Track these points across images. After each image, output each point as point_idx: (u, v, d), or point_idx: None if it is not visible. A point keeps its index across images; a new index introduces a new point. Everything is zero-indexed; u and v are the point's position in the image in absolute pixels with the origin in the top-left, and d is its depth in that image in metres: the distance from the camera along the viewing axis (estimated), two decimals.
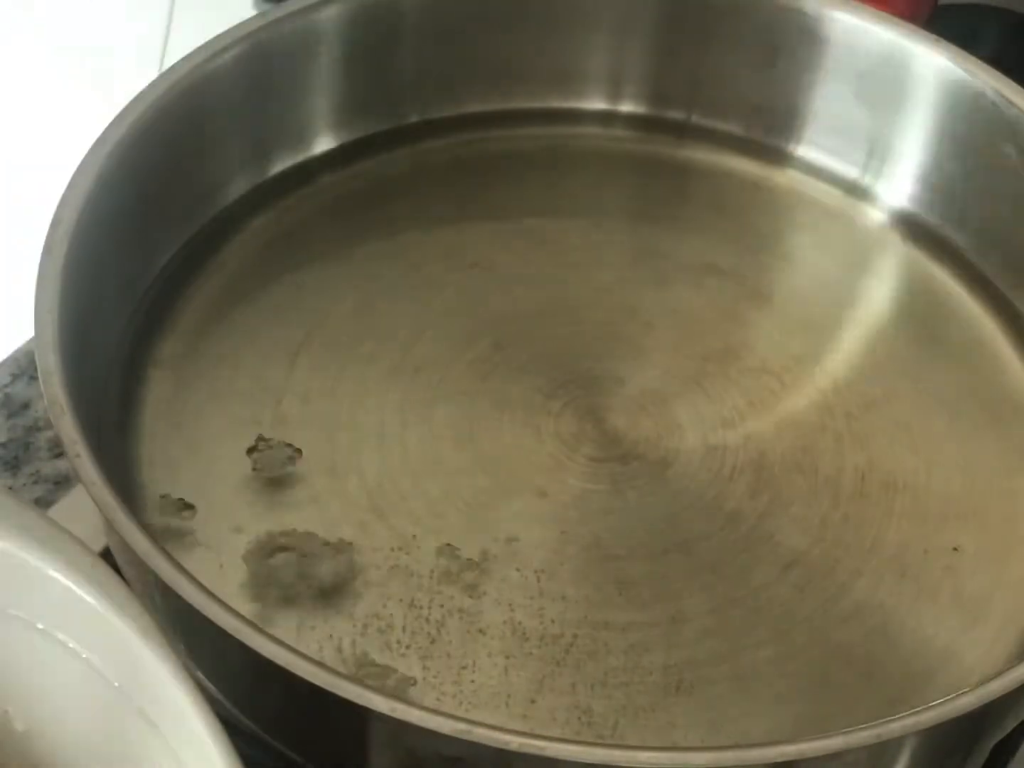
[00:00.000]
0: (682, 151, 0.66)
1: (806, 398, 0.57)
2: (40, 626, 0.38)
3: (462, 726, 0.41)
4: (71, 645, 0.38)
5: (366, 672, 0.47)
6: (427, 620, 0.50)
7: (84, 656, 0.37)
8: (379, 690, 0.42)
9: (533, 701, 0.48)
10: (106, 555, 0.48)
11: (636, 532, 0.53)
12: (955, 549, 0.53)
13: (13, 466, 0.59)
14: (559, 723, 0.48)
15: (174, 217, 0.59)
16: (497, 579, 0.51)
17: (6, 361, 0.62)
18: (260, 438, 0.53)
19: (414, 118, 0.66)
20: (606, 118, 0.67)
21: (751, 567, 0.52)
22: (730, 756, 0.42)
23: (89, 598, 0.37)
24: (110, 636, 0.37)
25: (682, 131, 0.67)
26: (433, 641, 0.49)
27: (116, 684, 0.37)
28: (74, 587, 0.37)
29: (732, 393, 0.57)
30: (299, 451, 0.53)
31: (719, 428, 0.56)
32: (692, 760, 0.42)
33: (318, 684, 0.41)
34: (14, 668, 0.39)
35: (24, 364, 0.62)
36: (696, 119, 0.67)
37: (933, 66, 0.61)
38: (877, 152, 0.64)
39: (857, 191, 0.65)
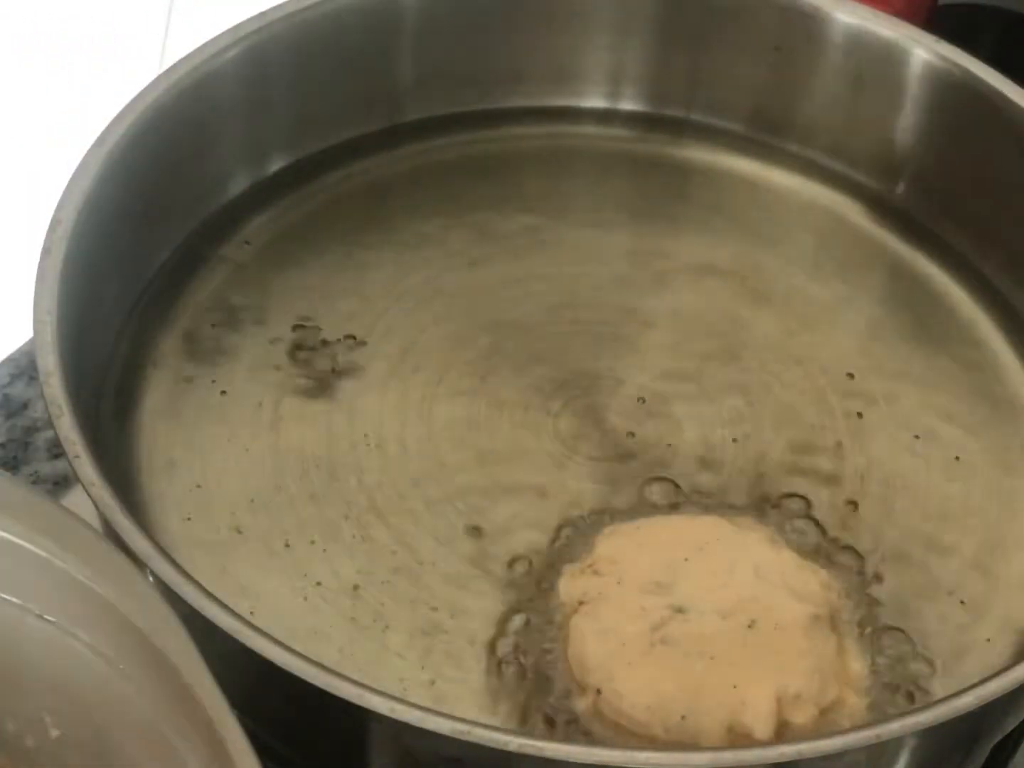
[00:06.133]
0: (681, 150, 0.66)
1: (806, 398, 0.57)
2: (75, 632, 0.37)
3: (461, 727, 0.41)
4: (106, 652, 0.37)
5: None
6: (427, 620, 0.50)
7: (121, 668, 0.37)
8: (379, 691, 0.42)
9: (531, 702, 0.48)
10: None
11: None
12: (954, 548, 0.53)
13: (12, 466, 0.59)
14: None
15: (173, 217, 0.59)
16: (497, 579, 0.51)
17: (5, 362, 0.62)
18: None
19: (413, 117, 0.66)
20: (605, 117, 0.67)
21: None
22: (729, 756, 0.42)
23: (122, 608, 0.36)
24: (142, 644, 0.36)
25: (681, 130, 0.67)
26: (433, 640, 0.49)
27: (148, 692, 0.37)
28: (111, 597, 0.37)
29: (732, 393, 0.57)
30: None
31: (719, 428, 0.56)
32: (692, 760, 0.42)
33: (318, 684, 0.41)
34: (50, 673, 0.38)
35: (23, 364, 0.62)
36: (695, 118, 0.67)
37: (933, 66, 0.61)
38: (876, 152, 0.64)
39: (857, 191, 0.65)
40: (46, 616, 0.38)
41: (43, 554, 0.37)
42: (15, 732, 0.39)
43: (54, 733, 0.39)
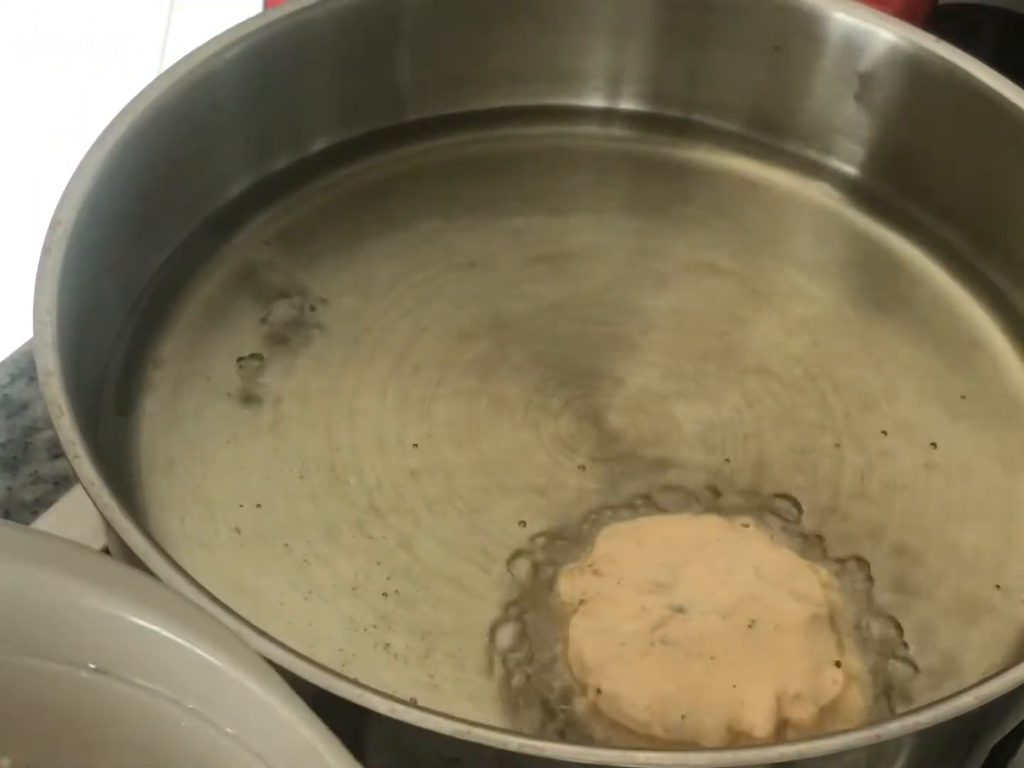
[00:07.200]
0: (681, 150, 0.66)
1: (806, 398, 0.57)
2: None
3: (461, 727, 0.41)
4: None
5: None
6: (427, 620, 0.50)
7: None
8: (379, 691, 0.42)
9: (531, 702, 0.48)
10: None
11: None
12: (954, 548, 0.53)
13: (12, 467, 0.59)
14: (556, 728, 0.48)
15: (173, 217, 0.59)
16: (496, 579, 0.51)
17: (5, 362, 0.62)
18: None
19: (414, 117, 0.66)
20: (605, 116, 0.67)
21: None
22: (729, 756, 0.42)
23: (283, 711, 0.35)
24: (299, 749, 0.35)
25: (681, 130, 0.67)
26: (433, 641, 0.49)
27: None
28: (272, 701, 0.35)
29: (732, 393, 0.57)
30: None
31: (719, 428, 0.56)
32: (692, 760, 0.42)
33: (318, 684, 0.41)
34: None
35: (23, 365, 0.62)
36: (695, 118, 0.67)
37: (932, 66, 0.61)
38: (876, 153, 0.64)
39: (856, 191, 0.65)
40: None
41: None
42: None
43: None
